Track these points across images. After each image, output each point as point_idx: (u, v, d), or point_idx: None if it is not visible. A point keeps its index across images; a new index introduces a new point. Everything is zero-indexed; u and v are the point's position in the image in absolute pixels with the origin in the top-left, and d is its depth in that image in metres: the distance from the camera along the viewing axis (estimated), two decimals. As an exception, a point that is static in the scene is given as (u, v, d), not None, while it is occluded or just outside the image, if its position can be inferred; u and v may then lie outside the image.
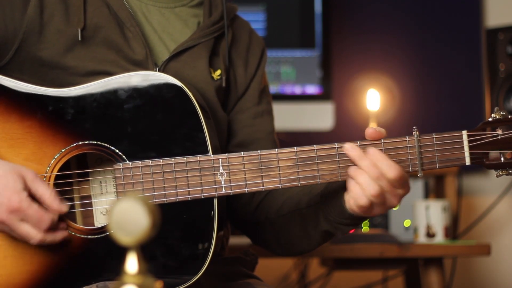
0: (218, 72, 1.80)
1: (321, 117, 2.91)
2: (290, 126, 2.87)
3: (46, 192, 1.53)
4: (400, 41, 3.21)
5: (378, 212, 1.58)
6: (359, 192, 1.55)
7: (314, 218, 1.69)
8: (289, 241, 1.77)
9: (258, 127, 1.85)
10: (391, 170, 1.53)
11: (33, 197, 1.53)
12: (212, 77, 1.78)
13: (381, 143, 1.58)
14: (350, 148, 1.56)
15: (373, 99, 2.97)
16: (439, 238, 2.60)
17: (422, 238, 2.61)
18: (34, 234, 1.52)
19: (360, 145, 1.57)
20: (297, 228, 1.73)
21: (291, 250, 1.81)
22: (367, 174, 1.54)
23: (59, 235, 1.55)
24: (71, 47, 1.68)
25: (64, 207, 1.55)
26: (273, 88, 2.90)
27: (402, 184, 1.56)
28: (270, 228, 1.79)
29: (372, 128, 1.58)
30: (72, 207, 1.62)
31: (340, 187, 1.62)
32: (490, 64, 2.86)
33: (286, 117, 2.87)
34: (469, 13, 3.22)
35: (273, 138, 1.87)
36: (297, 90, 2.92)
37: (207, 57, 1.77)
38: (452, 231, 2.74)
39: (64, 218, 1.57)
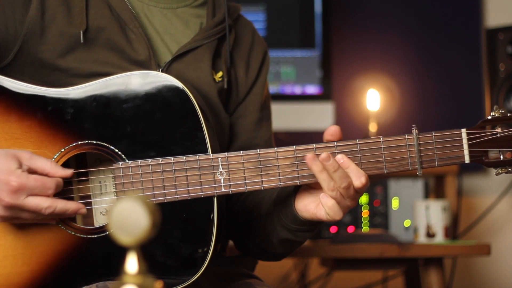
0: (220, 74, 1.80)
1: (321, 117, 2.91)
2: (290, 126, 2.87)
3: (47, 164, 1.53)
4: (400, 41, 3.21)
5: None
6: (329, 200, 1.55)
7: (272, 226, 1.70)
8: (260, 247, 1.77)
9: (259, 133, 1.85)
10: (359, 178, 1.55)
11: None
12: (214, 79, 1.78)
13: (380, 141, 1.58)
14: (311, 158, 1.56)
15: (373, 99, 2.97)
16: (439, 238, 2.60)
17: (422, 238, 2.61)
18: (42, 202, 1.50)
19: (359, 143, 1.57)
20: (263, 234, 1.74)
21: (265, 256, 1.81)
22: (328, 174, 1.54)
23: (72, 205, 1.54)
24: (72, 49, 1.68)
25: (68, 171, 1.55)
26: (273, 88, 2.90)
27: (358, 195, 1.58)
28: (246, 234, 1.80)
29: (334, 127, 1.59)
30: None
31: (291, 193, 1.63)
32: (490, 64, 2.86)
33: (286, 117, 2.87)
34: (469, 13, 3.22)
35: (271, 144, 1.87)
36: (297, 90, 2.92)
37: (210, 59, 1.77)
38: (452, 231, 2.74)
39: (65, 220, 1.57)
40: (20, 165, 1.51)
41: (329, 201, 1.55)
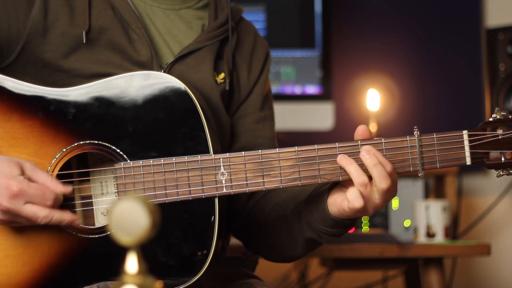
0: (222, 75, 1.80)
1: (321, 117, 2.91)
2: (290, 126, 2.87)
3: (47, 179, 1.53)
4: (400, 41, 3.21)
5: (368, 213, 1.60)
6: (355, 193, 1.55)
7: (298, 225, 1.70)
8: (277, 248, 1.77)
9: (260, 133, 1.85)
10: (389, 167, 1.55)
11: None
12: (216, 81, 1.78)
13: (382, 142, 1.58)
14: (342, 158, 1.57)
15: (373, 99, 2.97)
16: (439, 238, 2.60)
17: (422, 238, 2.61)
18: (40, 211, 1.51)
19: (361, 144, 1.57)
20: (283, 235, 1.74)
21: (280, 256, 1.81)
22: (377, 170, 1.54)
23: (67, 216, 1.54)
24: (75, 49, 1.68)
25: (68, 188, 1.55)
26: (273, 88, 2.88)
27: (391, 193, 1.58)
28: (259, 234, 1.79)
29: (363, 126, 1.59)
30: (73, 207, 1.62)
31: (325, 192, 1.63)
32: (490, 64, 2.86)
33: (286, 117, 2.87)
34: (469, 13, 3.22)
35: (273, 144, 1.87)
36: (297, 90, 2.92)
37: (212, 61, 1.77)
38: (452, 231, 2.74)
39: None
40: (23, 173, 1.51)
41: (353, 191, 1.56)
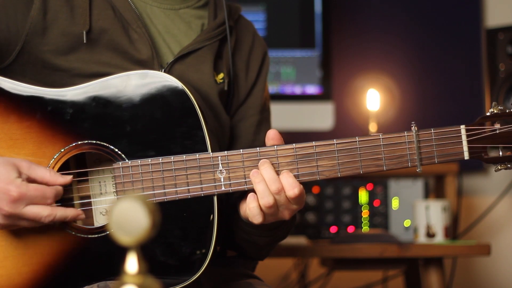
0: (221, 75, 1.80)
1: (321, 117, 2.91)
2: (290, 126, 2.87)
3: (46, 173, 1.53)
4: (400, 41, 3.21)
5: (269, 220, 1.60)
6: (253, 201, 1.57)
7: (236, 226, 1.71)
8: (242, 246, 1.78)
9: (258, 136, 1.86)
10: (292, 187, 1.55)
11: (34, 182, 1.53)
12: (216, 81, 1.78)
13: (380, 138, 1.58)
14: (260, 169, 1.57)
15: (373, 99, 2.97)
16: (439, 238, 2.60)
17: (422, 238, 2.61)
18: (42, 210, 1.51)
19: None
20: (237, 234, 1.74)
21: (250, 254, 1.81)
22: (266, 185, 1.55)
23: (71, 211, 1.55)
24: (75, 49, 1.68)
25: (68, 177, 1.55)
26: (273, 88, 2.90)
27: (297, 201, 1.58)
28: (231, 233, 1.80)
29: (273, 130, 1.59)
30: (72, 207, 1.62)
31: (237, 198, 1.64)
32: (490, 64, 2.86)
33: (286, 117, 2.87)
34: (469, 13, 3.22)
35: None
36: (297, 90, 2.92)
37: (211, 60, 1.77)
38: (452, 231, 2.74)
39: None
40: (20, 174, 1.51)
41: (252, 202, 1.57)
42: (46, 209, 1.51)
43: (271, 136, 1.59)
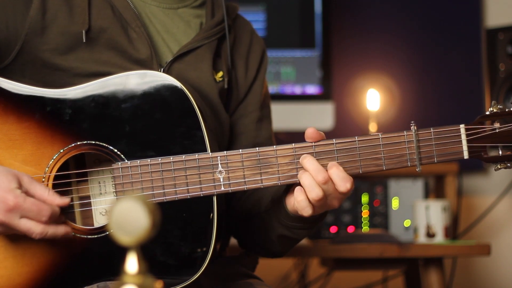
0: (220, 74, 1.80)
1: (321, 117, 2.91)
2: (290, 126, 2.87)
3: (45, 192, 1.53)
4: (400, 41, 3.21)
5: (318, 212, 1.60)
6: (301, 195, 1.56)
7: (270, 222, 1.71)
8: (259, 244, 1.78)
9: (259, 132, 1.86)
10: (344, 182, 1.55)
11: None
12: (215, 79, 1.78)
13: (379, 138, 1.58)
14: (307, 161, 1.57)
15: (373, 99, 2.97)
16: (439, 238, 2.60)
17: (422, 238, 2.61)
18: (34, 226, 1.51)
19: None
20: (261, 231, 1.74)
21: (265, 252, 1.82)
22: (312, 178, 1.55)
23: (61, 229, 1.54)
24: (74, 48, 1.68)
25: (66, 199, 1.54)
26: (273, 88, 2.90)
27: (348, 192, 1.58)
28: (244, 231, 1.81)
29: (312, 128, 1.58)
30: (71, 207, 1.62)
31: (283, 192, 1.64)
32: (490, 64, 2.86)
33: (286, 117, 2.87)
34: (469, 13, 3.22)
35: (272, 143, 1.87)
36: (297, 90, 2.92)
37: (210, 59, 1.77)
38: (452, 231, 2.74)
39: (64, 219, 1.57)
40: (20, 186, 1.51)
41: (300, 195, 1.56)
42: (38, 226, 1.51)
43: (309, 135, 1.58)
